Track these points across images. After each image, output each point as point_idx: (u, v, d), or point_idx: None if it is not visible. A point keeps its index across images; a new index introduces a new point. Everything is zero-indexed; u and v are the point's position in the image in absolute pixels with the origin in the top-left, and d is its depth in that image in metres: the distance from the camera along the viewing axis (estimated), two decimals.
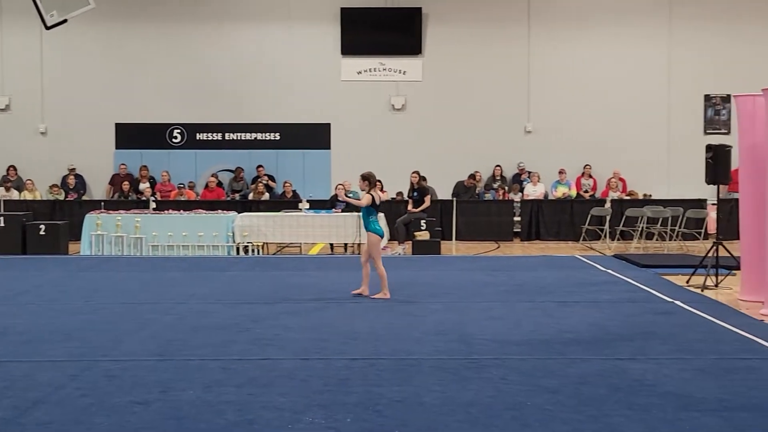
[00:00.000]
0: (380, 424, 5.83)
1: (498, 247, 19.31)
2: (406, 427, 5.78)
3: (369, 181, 11.22)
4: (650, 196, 21.50)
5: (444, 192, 21.68)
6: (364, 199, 11.17)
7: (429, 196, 18.58)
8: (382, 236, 11.33)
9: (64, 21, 16.40)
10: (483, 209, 20.94)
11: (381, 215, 17.30)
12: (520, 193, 21.80)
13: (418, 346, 8.30)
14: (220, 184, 21.96)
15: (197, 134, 22.63)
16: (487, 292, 12.04)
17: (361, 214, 11.36)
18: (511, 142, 22.55)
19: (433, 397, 6.45)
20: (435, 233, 18.04)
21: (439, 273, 14.13)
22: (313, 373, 7.18)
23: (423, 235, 17.75)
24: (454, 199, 20.18)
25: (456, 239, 18.98)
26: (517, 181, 22.34)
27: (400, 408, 6.20)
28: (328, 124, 22.65)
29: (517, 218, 20.92)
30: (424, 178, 18.78)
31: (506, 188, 22.18)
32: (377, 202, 11.24)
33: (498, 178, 22.34)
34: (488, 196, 22.00)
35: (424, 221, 17.97)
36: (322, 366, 7.45)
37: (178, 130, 22.59)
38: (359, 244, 17.50)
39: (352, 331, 9.01)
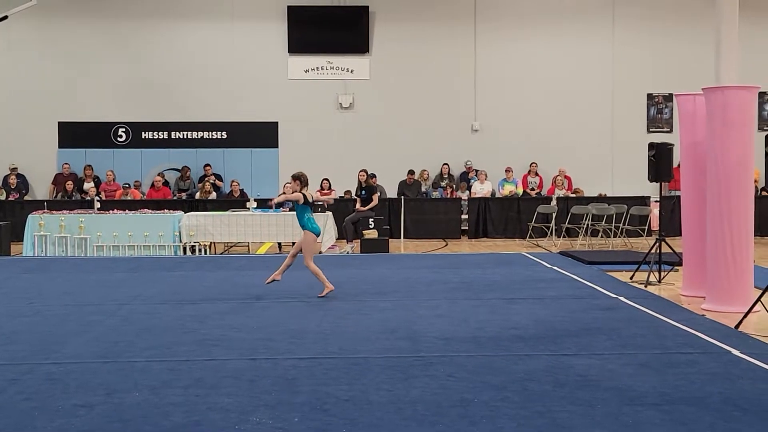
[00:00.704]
0: (328, 423, 5.83)
1: (446, 245, 19.40)
2: (353, 425, 5.79)
3: (300, 180, 11.27)
4: (605, 195, 21.67)
5: (392, 190, 21.75)
6: (294, 195, 11.23)
7: (377, 195, 18.61)
8: (318, 234, 11.40)
9: (5, 17, 16.19)
10: (431, 207, 21.02)
11: (329, 214, 17.34)
12: (467, 191, 21.93)
13: (365, 344, 8.31)
14: (166, 183, 21.77)
15: (143, 133, 22.41)
16: (435, 289, 12.09)
17: (296, 213, 11.39)
18: (458, 140, 22.69)
19: (380, 396, 6.47)
20: (383, 231, 18.07)
21: (387, 271, 14.15)
22: (261, 373, 7.15)
23: (371, 234, 17.78)
24: (402, 197, 20.23)
25: (404, 237, 19.04)
26: (465, 179, 22.47)
27: (348, 407, 6.20)
28: (276, 123, 22.58)
29: (464, 216, 21.03)
30: (373, 176, 18.79)
31: (454, 186, 22.29)
32: (310, 200, 11.29)
33: (445, 176, 22.45)
34: (436, 195, 22.10)
35: (372, 220, 18.00)
36: (270, 366, 7.42)
37: (123, 129, 22.35)
38: None
39: (300, 330, 8.99)
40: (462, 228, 21.00)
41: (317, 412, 6.06)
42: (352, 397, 6.42)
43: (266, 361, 7.59)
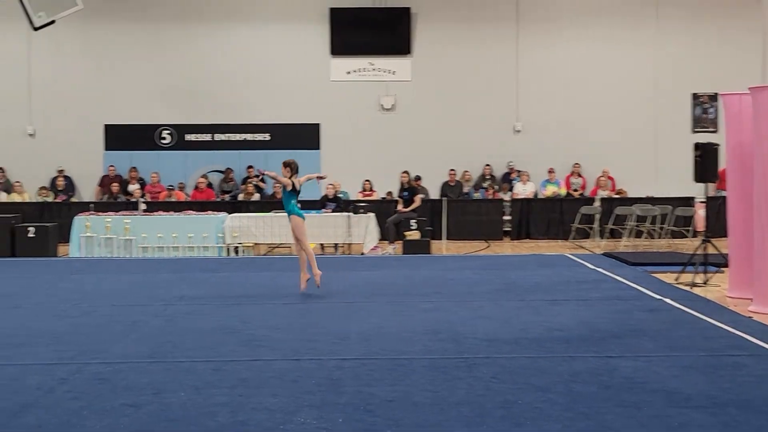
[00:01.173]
0: (372, 424, 5.85)
1: (488, 246, 19.34)
2: (398, 426, 5.80)
3: (290, 167, 11.66)
4: (651, 196, 21.42)
5: (434, 192, 21.73)
6: (283, 180, 11.60)
7: (419, 196, 18.62)
8: (303, 218, 11.76)
9: (52, 22, 16.34)
10: (473, 208, 20.96)
11: (371, 215, 17.37)
12: (509, 192, 21.84)
13: (409, 345, 8.32)
14: (210, 185, 21.94)
15: (186, 135, 22.61)
16: (477, 291, 12.06)
17: (282, 199, 11.85)
18: (500, 141, 22.60)
19: (424, 397, 6.47)
20: (425, 233, 18.07)
21: (429, 272, 14.14)
22: (305, 374, 7.19)
23: (413, 235, 17.77)
24: (444, 198, 20.20)
25: (446, 239, 19.01)
26: (507, 180, 22.39)
27: (392, 407, 6.21)
28: (318, 125, 22.66)
29: (506, 217, 20.95)
30: (418, 178, 18.80)
31: (496, 187, 22.23)
32: (297, 188, 11.68)
33: (488, 177, 22.38)
34: (477, 196, 22.04)
35: (414, 221, 18.00)
36: (314, 366, 7.46)
37: (168, 131, 22.57)
38: (349, 244, 17.54)
39: (343, 332, 9.02)
40: (504, 229, 20.92)
41: (361, 413, 6.09)
42: (396, 398, 6.44)
43: (310, 362, 7.63)
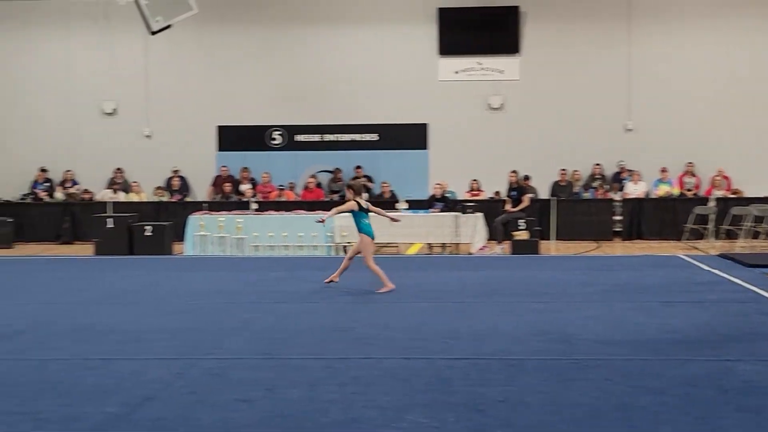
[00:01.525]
0: (483, 424, 5.81)
1: (598, 247, 19.03)
2: (510, 427, 5.75)
3: (353, 189, 12.02)
4: None
5: (543, 191, 21.50)
6: (347, 206, 11.95)
7: (527, 196, 18.45)
8: (373, 238, 12.05)
9: (169, 26, 16.82)
10: (582, 208, 20.67)
11: (479, 215, 17.30)
12: (620, 192, 21.45)
13: (519, 346, 8.25)
14: (319, 184, 22.20)
15: (296, 136, 22.93)
16: (588, 291, 11.89)
17: (358, 217, 11.98)
18: (611, 140, 22.22)
19: (536, 398, 6.40)
20: (534, 233, 17.89)
21: (538, 273, 14.01)
22: (415, 373, 7.20)
23: (521, 235, 17.62)
24: (553, 198, 19.97)
25: (555, 239, 18.79)
26: (618, 179, 22.00)
27: (504, 408, 6.16)
28: (426, 125, 22.69)
29: (617, 217, 20.58)
30: (527, 178, 18.65)
31: (606, 187, 21.86)
32: (363, 206, 11.95)
33: (598, 176, 22.03)
34: (587, 195, 21.72)
35: (523, 221, 17.84)
36: (424, 365, 7.46)
37: (278, 132, 22.93)
38: (457, 244, 17.50)
39: (453, 331, 9.00)
40: (614, 229, 20.55)
41: (473, 413, 6.06)
42: (508, 399, 6.39)
43: (420, 361, 7.64)
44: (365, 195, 12.34)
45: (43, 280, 13.76)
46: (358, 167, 22.26)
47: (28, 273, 14.80)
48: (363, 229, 11.93)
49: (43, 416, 6.04)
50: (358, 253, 12.16)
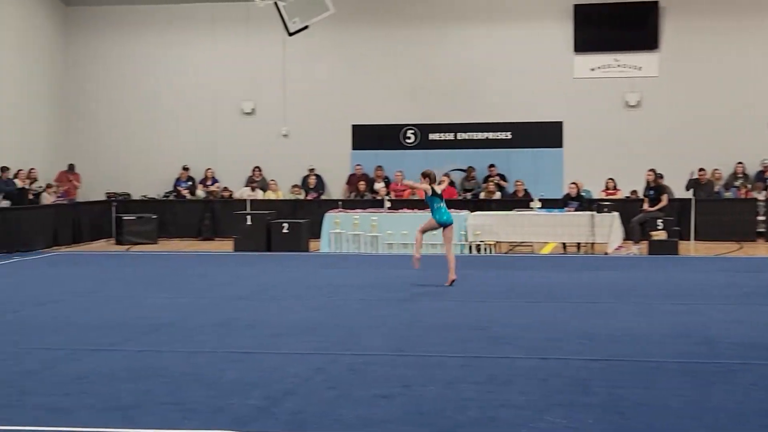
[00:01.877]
0: (623, 427, 5.74)
1: (740, 248, 18.41)
2: (651, 431, 5.67)
3: (429, 177, 12.51)
4: None
5: (681, 190, 20.89)
6: (423, 186, 12.51)
7: (666, 195, 18.01)
8: (439, 222, 12.49)
9: (306, 27, 17.18)
10: (723, 208, 20.02)
11: (615, 214, 17.00)
12: (764, 192, 20.69)
13: (658, 348, 8.10)
14: (452, 183, 22.20)
15: (430, 134, 23.01)
16: (729, 293, 11.55)
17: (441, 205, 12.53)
18: (753, 138, 21.43)
19: (678, 401, 6.28)
20: (672, 233, 17.45)
21: (677, 274, 13.70)
22: (552, 373, 7.16)
23: (659, 235, 17.21)
24: (693, 198, 19.42)
25: (694, 239, 18.29)
26: (761, 178, 21.22)
27: (644, 411, 6.07)
28: (560, 123, 22.42)
29: (761, 218, 19.85)
30: (660, 177, 18.22)
31: (749, 186, 21.12)
32: (438, 191, 12.51)
33: (740, 175, 21.31)
34: (729, 195, 21.04)
35: (661, 220, 17.44)
36: (561, 366, 7.42)
37: (412, 131, 23.07)
38: (592, 244, 17.24)
39: (588, 332, 8.90)
40: (758, 230, 19.82)
41: (612, 415, 5.99)
42: (648, 402, 6.28)
43: (557, 361, 7.59)
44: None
45: (187, 275, 14.25)
46: (492, 166, 22.17)
47: (173, 268, 15.36)
48: (441, 217, 12.44)
49: (190, 406, 6.29)
50: (427, 230, 12.82)
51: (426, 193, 12.51)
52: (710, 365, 7.39)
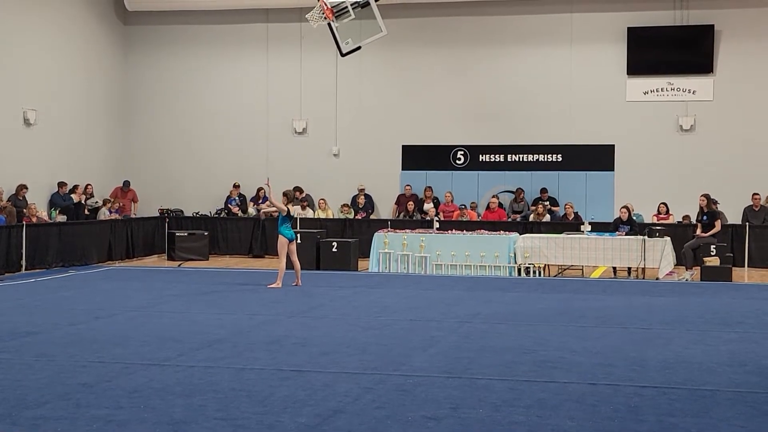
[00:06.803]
0: None
1: None
2: None
3: (287, 197, 14.98)
4: None
5: (735, 216, 20.63)
6: (280, 206, 14.79)
7: (719, 221, 17.80)
8: (289, 239, 14.84)
9: (359, 48, 17.30)
10: None
11: (667, 239, 16.84)
12: None
13: (712, 376, 8.00)
14: (500, 205, 22.16)
15: (480, 156, 23.00)
16: None
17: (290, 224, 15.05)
18: None
19: (731, 431, 6.21)
20: (725, 259, 17.24)
21: (731, 300, 13.51)
22: (602, 399, 7.11)
23: (712, 261, 17.01)
24: (747, 223, 19.18)
25: (748, 266, 18.04)
26: None
27: None
28: (612, 146, 22.28)
29: None
30: (714, 202, 18.01)
31: None
32: (291, 214, 15.08)
33: None
34: None
35: (714, 246, 17.24)
36: (611, 392, 7.36)
37: (462, 152, 23.08)
38: (643, 269, 17.10)
39: (641, 358, 8.82)
40: None
41: None
42: (700, 431, 6.21)
43: (607, 387, 7.54)
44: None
45: (237, 292, 14.38)
46: (544, 190, 22.07)
47: (224, 284, 15.51)
48: (282, 231, 14.75)
49: (240, 422, 6.35)
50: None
51: (281, 213, 14.76)
52: (765, 395, 7.28)
